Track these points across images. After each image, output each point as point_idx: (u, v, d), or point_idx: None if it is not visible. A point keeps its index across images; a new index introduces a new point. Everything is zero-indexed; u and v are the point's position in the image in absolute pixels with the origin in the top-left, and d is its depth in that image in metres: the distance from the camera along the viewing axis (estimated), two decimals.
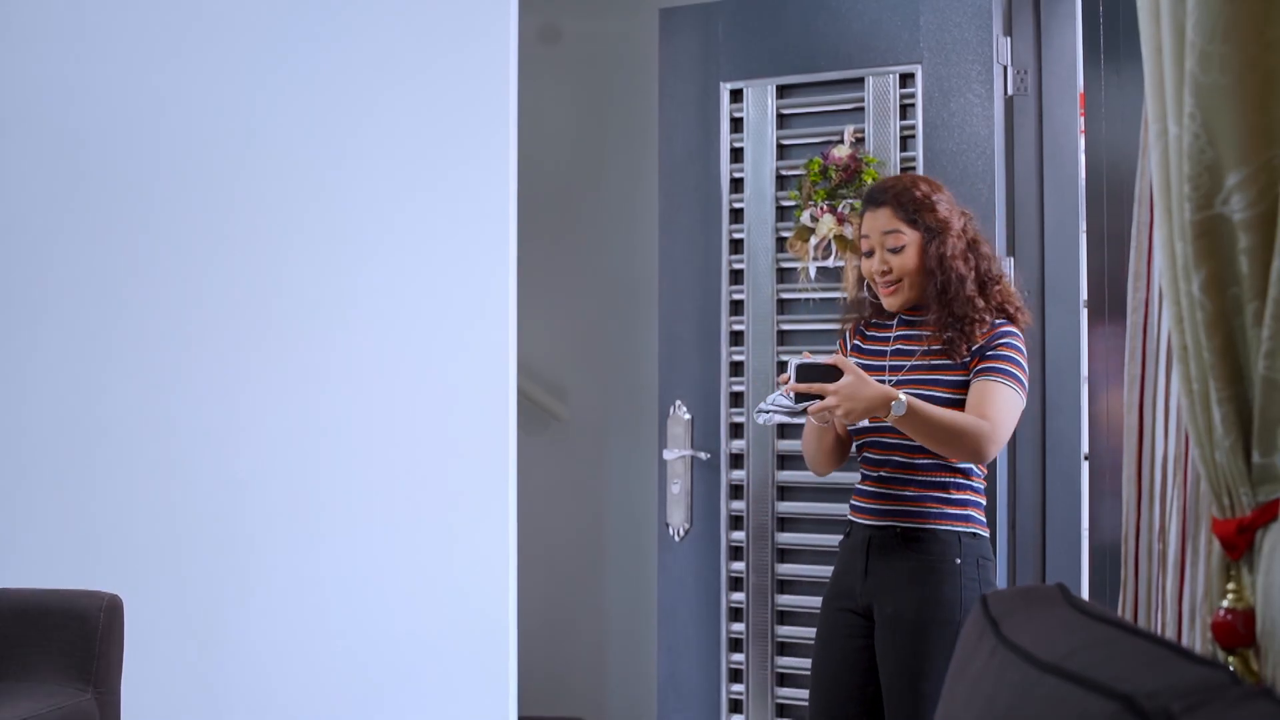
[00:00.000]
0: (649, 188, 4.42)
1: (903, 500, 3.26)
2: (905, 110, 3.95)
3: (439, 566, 4.01)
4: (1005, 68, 3.90)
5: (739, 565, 4.10)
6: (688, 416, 4.16)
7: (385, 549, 4.01)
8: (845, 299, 3.62)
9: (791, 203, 4.04)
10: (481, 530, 3.99)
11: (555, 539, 5.16)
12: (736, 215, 4.13)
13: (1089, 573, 3.83)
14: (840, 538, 3.43)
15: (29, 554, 3.96)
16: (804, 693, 3.69)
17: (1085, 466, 3.85)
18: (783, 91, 4.10)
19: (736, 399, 4.12)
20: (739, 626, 4.10)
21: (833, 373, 3.11)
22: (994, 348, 3.22)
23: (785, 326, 4.04)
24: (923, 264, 3.28)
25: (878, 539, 3.28)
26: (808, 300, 4.03)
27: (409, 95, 4.05)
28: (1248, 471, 1.64)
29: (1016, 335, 3.27)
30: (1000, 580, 3.78)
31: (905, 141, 3.95)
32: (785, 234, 4.05)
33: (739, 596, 4.10)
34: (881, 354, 3.37)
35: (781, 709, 4.02)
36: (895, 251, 3.29)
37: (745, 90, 4.13)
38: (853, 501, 3.38)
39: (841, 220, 3.95)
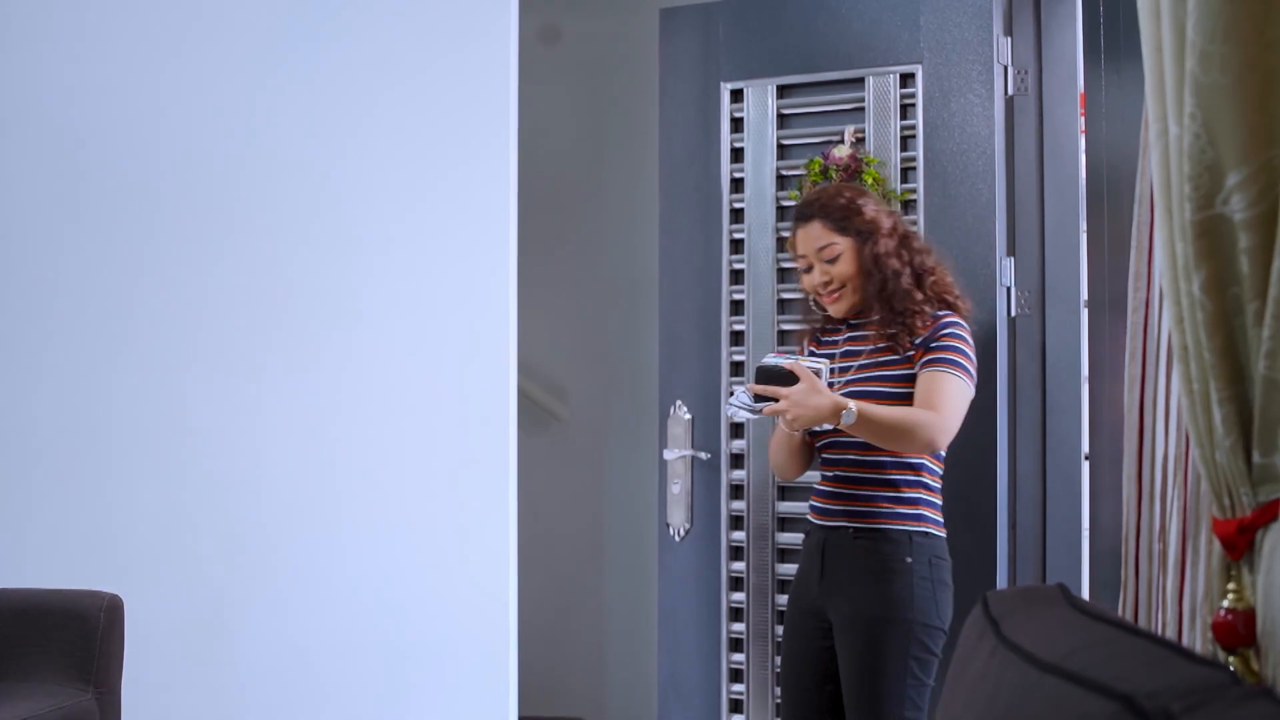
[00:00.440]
0: (649, 188, 4.42)
1: (856, 500, 3.32)
2: (905, 110, 3.95)
3: (440, 567, 4.00)
4: (1006, 68, 3.90)
5: (739, 565, 4.10)
6: (688, 416, 4.16)
7: (386, 549, 4.01)
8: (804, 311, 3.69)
9: (792, 203, 4.04)
10: (482, 530, 3.99)
11: (556, 539, 5.16)
12: (737, 215, 4.13)
13: (1089, 572, 3.82)
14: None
15: (30, 554, 3.96)
16: None
17: (1086, 466, 3.85)
18: (783, 91, 4.10)
19: None
20: (739, 626, 4.10)
21: (791, 377, 3.21)
22: (938, 338, 3.28)
23: (786, 326, 4.04)
24: (860, 267, 3.35)
25: (833, 540, 3.34)
26: (808, 300, 4.02)
27: (409, 95, 4.05)
28: (1248, 471, 1.63)
29: (960, 324, 3.33)
30: (1000, 580, 3.79)
31: (905, 141, 3.95)
32: (786, 234, 4.04)
33: (739, 596, 4.10)
34: (831, 357, 3.44)
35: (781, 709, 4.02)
36: (832, 262, 3.37)
37: (746, 90, 4.13)
38: (811, 503, 3.46)
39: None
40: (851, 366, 3.37)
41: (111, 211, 4.01)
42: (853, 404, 3.16)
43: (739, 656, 4.10)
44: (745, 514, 4.09)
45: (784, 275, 4.07)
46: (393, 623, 4.00)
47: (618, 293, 5.15)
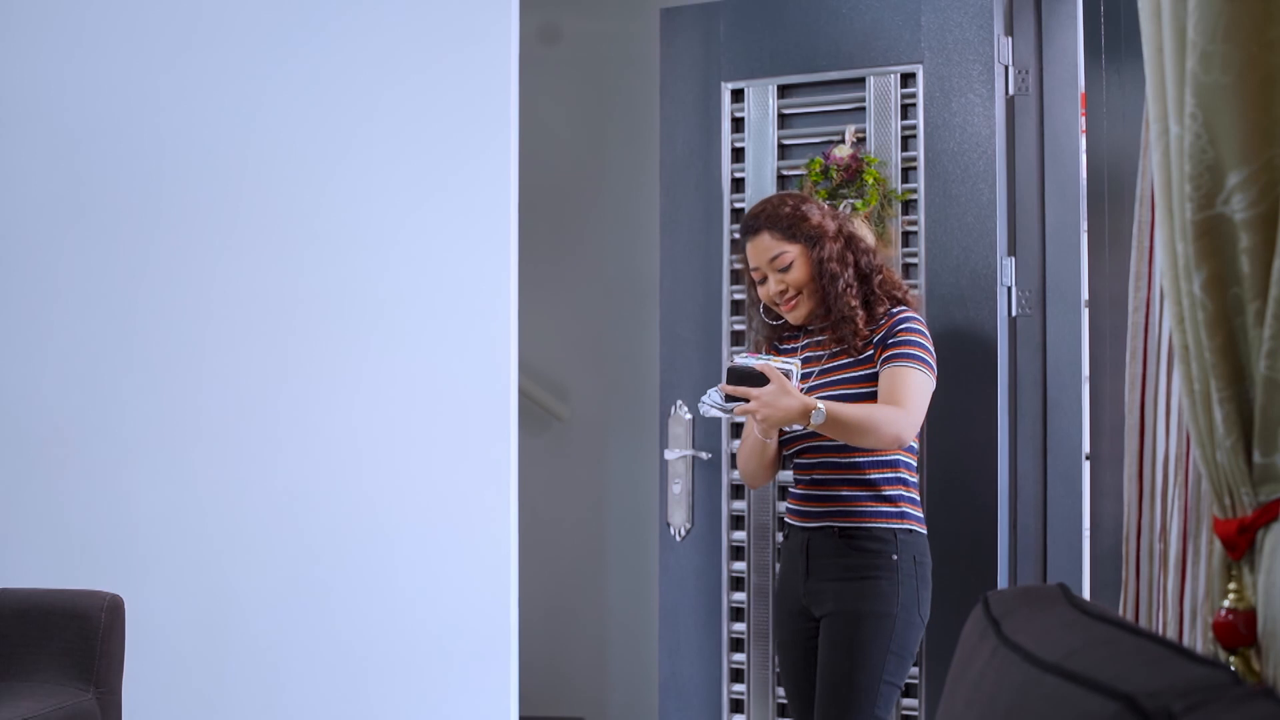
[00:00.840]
0: (650, 187, 4.42)
1: (838, 500, 3.37)
2: (906, 110, 3.95)
3: (440, 567, 4.00)
4: (1006, 67, 3.90)
5: (740, 565, 4.10)
6: (689, 416, 4.16)
7: (386, 549, 4.01)
8: (753, 325, 3.71)
9: None
10: (483, 530, 3.99)
11: (556, 539, 5.16)
12: (738, 215, 4.13)
13: (1090, 572, 3.82)
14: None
15: (30, 554, 3.96)
16: None
17: (1086, 466, 3.85)
18: (784, 91, 4.10)
19: None
20: (740, 626, 4.10)
21: (761, 378, 3.24)
22: (895, 334, 3.34)
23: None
24: (811, 273, 3.41)
25: (816, 540, 3.39)
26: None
27: (410, 95, 4.05)
28: (1249, 471, 1.63)
29: (914, 318, 3.39)
30: (1001, 580, 3.79)
31: (906, 141, 3.95)
32: None
33: (740, 596, 4.10)
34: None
35: (783, 709, 4.02)
36: (784, 270, 3.43)
37: (746, 90, 4.13)
38: (788, 505, 3.52)
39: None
40: (813, 372, 3.43)
41: (115, 212, 4.01)
42: (821, 404, 3.21)
43: (740, 656, 4.10)
44: (746, 514, 4.09)
45: None
46: (394, 622, 4.00)
47: (618, 292, 5.15)
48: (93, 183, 4.03)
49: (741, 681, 4.10)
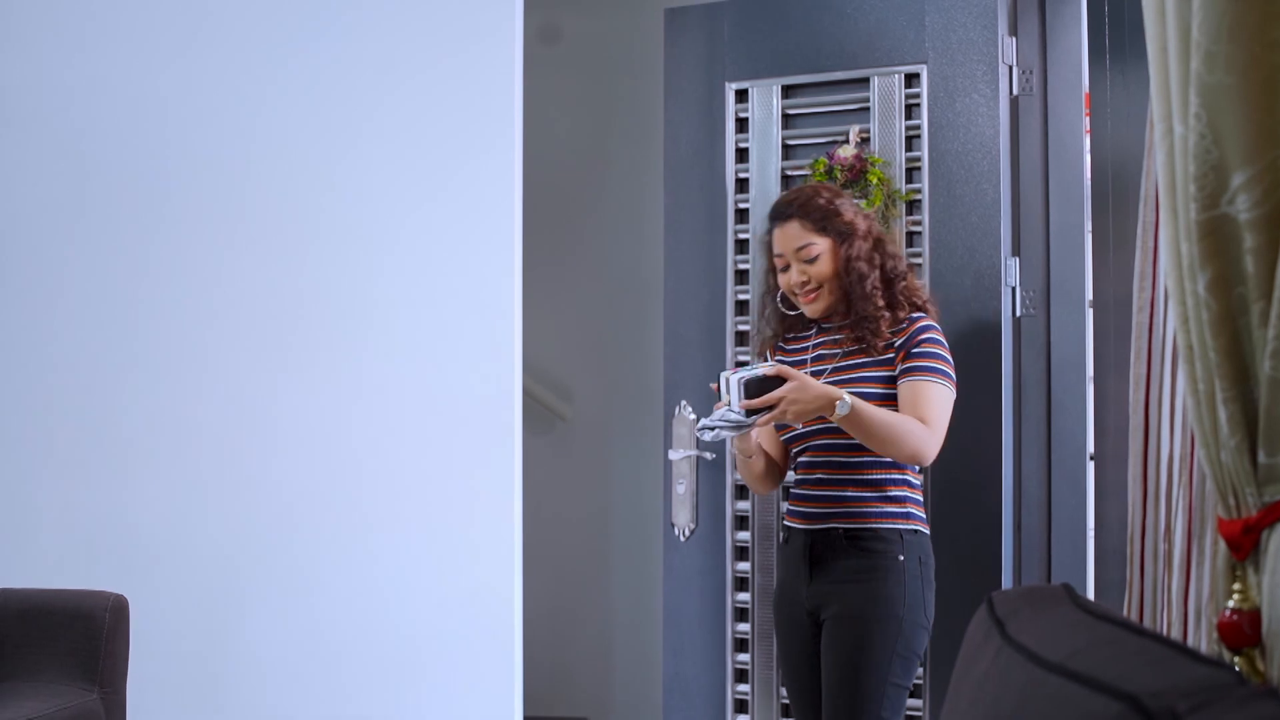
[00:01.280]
0: (654, 188, 4.42)
1: (843, 501, 3.32)
2: (910, 110, 3.95)
3: (445, 566, 4.01)
4: (1011, 67, 3.90)
5: (744, 565, 4.10)
6: (693, 416, 4.15)
7: (390, 549, 4.01)
8: (760, 321, 3.66)
9: None
10: (487, 530, 3.99)
11: (560, 539, 5.16)
12: (741, 215, 4.13)
13: (1094, 572, 3.82)
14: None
15: (35, 554, 3.97)
16: None
17: (1090, 466, 3.85)
18: (788, 91, 4.10)
19: None
20: (744, 626, 4.10)
21: (776, 381, 3.18)
22: (917, 344, 3.30)
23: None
24: (837, 268, 3.37)
25: (820, 542, 3.34)
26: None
27: (414, 95, 4.05)
28: (1253, 472, 1.63)
29: (933, 327, 3.35)
30: (1005, 580, 3.79)
31: (910, 141, 3.95)
32: None
33: (744, 596, 4.10)
34: (802, 363, 3.44)
35: (787, 709, 4.02)
36: (810, 261, 3.39)
37: (750, 90, 4.13)
38: (790, 507, 3.45)
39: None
40: (825, 370, 3.38)
41: (119, 212, 4.02)
42: (847, 395, 3.17)
43: (744, 656, 4.10)
44: (750, 514, 4.09)
45: None
46: (398, 623, 4.01)
47: (622, 293, 5.15)
48: (96, 182, 4.04)
49: (745, 682, 4.10)
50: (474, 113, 4.04)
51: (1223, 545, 1.72)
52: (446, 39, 4.06)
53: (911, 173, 3.94)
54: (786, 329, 3.56)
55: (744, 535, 4.10)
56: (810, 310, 3.43)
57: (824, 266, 3.38)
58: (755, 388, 3.18)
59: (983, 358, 3.80)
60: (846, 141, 3.98)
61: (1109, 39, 3.75)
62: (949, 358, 3.33)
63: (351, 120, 4.06)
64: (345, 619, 4.01)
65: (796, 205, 3.43)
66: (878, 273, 3.37)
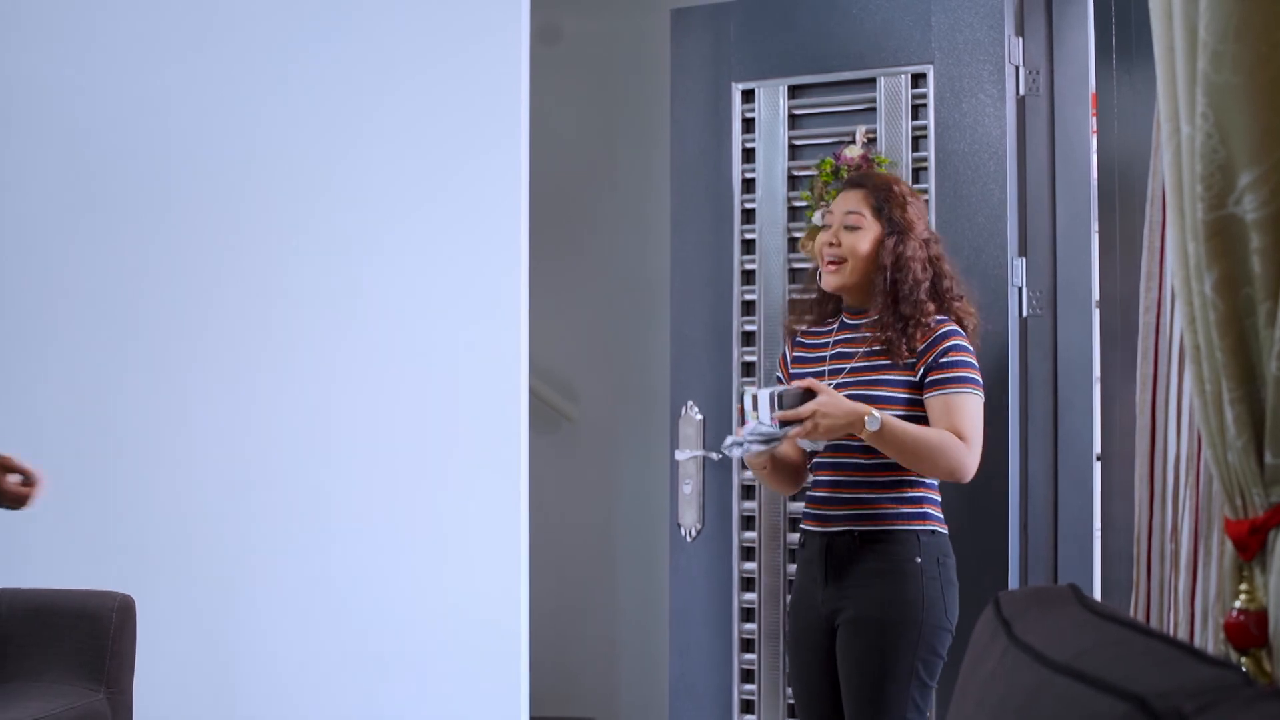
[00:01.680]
0: (660, 188, 4.42)
1: (858, 504, 3.27)
2: (917, 110, 3.94)
3: (451, 567, 4.01)
4: (1017, 68, 3.90)
5: (751, 565, 4.10)
6: (699, 417, 4.16)
7: (397, 550, 4.01)
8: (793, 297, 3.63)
9: (803, 203, 4.04)
10: (493, 531, 3.99)
11: (567, 539, 5.16)
12: (748, 216, 4.13)
13: (1101, 573, 3.82)
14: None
15: (41, 555, 3.97)
16: None
17: (1097, 466, 3.85)
18: (794, 92, 4.10)
19: None
20: (751, 627, 4.10)
21: (806, 396, 3.15)
22: (943, 353, 3.23)
23: (797, 326, 4.03)
24: (874, 255, 3.31)
25: (836, 545, 3.28)
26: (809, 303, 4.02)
27: (419, 94, 4.05)
28: (1260, 472, 1.63)
29: (957, 332, 3.28)
30: (1012, 581, 3.78)
31: (917, 142, 3.94)
32: (797, 234, 4.05)
33: (751, 597, 4.10)
34: (821, 359, 3.40)
35: (793, 710, 4.02)
36: (850, 230, 3.32)
37: (757, 90, 4.13)
38: (806, 509, 3.40)
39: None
40: (843, 369, 3.33)
41: (121, 211, 4.02)
42: (876, 411, 3.13)
43: (750, 657, 4.10)
44: (757, 514, 4.09)
45: (795, 276, 4.06)
46: (404, 622, 4.01)
47: (629, 293, 5.15)
48: (99, 182, 4.04)
49: (752, 682, 4.09)
50: (479, 112, 4.04)
51: (1229, 546, 1.72)
52: (452, 38, 4.06)
53: (918, 173, 3.94)
54: (814, 312, 3.50)
55: (750, 535, 4.10)
56: (827, 280, 3.37)
57: (860, 243, 3.31)
58: (787, 401, 3.15)
59: (989, 358, 3.79)
60: (853, 142, 3.98)
61: (1115, 39, 3.75)
62: (976, 363, 3.28)
63: (356, 120, 4.06)
64: (351, 618, 4.01)
65: (869, 179, 3.42)
66: (929, 283, 3.30)
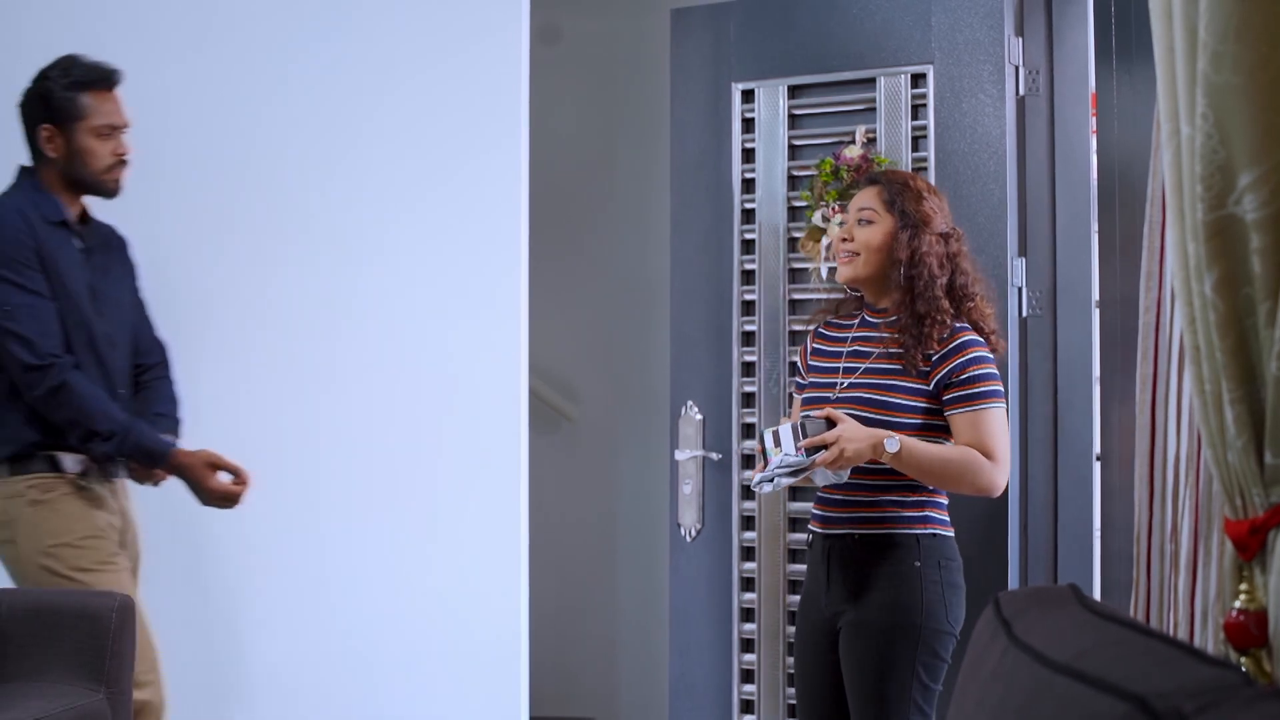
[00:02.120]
0: (660, 188, 4.42)
1: (859, 507, 3.24)
2: (917, 110, 3.94)
3: (451, 567, 4.01)
4: (1017, 68, 3.90)
5: (751, 565, 4.10)
6: (699, 417, 4.16)
7: (397, 550, 4.01)
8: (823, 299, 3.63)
9: (803, 203, 4.04)
10: (493, 531, 3.99)
11: (567, 539, 5.16)
12: (748, 216, 4.13)
13: (1101, 573, 3.82)
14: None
15: None
16: None
17: (1097, 466, 3.85)
18: (794, 92, 4.10)
19: (748, 400, 4.12)
20: (751, 627, 4.10)
21: (827, 424, 3.13)
22: (966, 368, 3.19)
23: (797, 327, 4.03)
24: (886, 248, 3.26)
25: (838, 548, 3.26)
26: (819, 301, 4.01)
27: (419, 94, 4.06)
28: (1260, 472, 1.63)
29: (977, 342, 3.23)
30: (1012, 581, 3.78)
31: (917, 142, 3.94)
32: (797, 234, 4.05)
33: (751, 597, 4.10)
34: (837, 355, 3.35)
35: (793, 710, 4.02)
36: (864, 224, 3.28)
37: (757, 90, 4.13)
38: (813, 511, 3.37)
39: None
40: (858, 369, 3.30)
41: (121, 210, 4.02)
42: (895, 435, 3.10)
43: (750, 657, 4.10)
44: (756, 514, 4.09)
45: (795, 276, 4.07)
46: (404, 622, 4.01)
47: (629, 293, 5.15)
48: None
49: (752, 682, 4.10)
50: (479, 112, 4.04)
51: (1229, 546, 1.73)
52: (452, 38, 4.07)
53: (918, 173, 3.93)
54: (843, 307, 3.46)
55: (750, 535, 4.10)
56: (840, 272, 3.33)
57: (873, 236, 3.26)
58: (809, 430, 3.12)
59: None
60: (853, 142, 3.98)
61: (1115, 39, 3.75)
62: (997, 372, 3.23)
63: (356, 120, 4.06)
64: (351, 620, 4.01)
65: (883, 174, 3.40)
66: (946, 279, 3.26)
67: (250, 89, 4.05)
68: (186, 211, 4.03)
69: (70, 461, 3.50)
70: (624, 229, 5.17)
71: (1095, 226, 3.85)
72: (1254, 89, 1.55)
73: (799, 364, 3.52)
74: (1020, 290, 3.88)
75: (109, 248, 3.71)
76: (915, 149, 3.94)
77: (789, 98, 4.09)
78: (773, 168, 4.10)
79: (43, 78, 3.55)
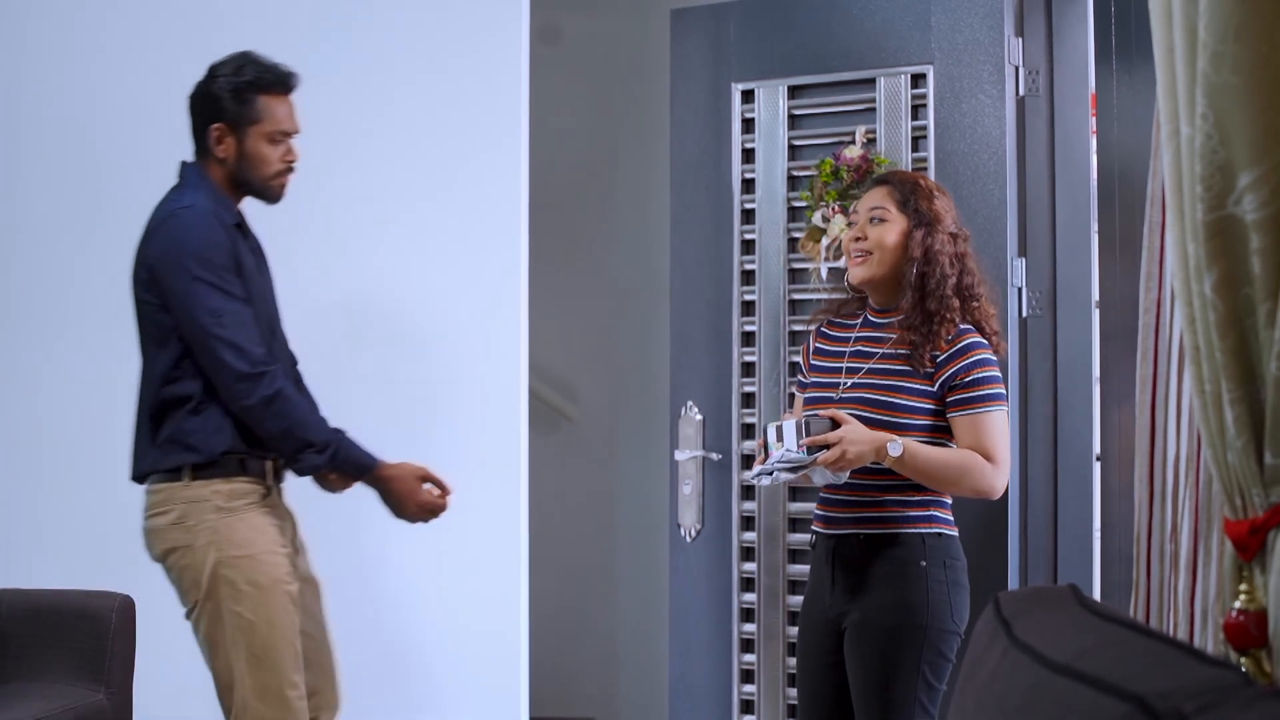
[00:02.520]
0: (660, 188, 4.42)
1: (863, 506, 3.22)
2: (917, 111, 3.94)
3: (451, 568, 4.01)
4: (1017, 68, 3.90)
5: (750, 566, 4.10)
6: (699, 417, 4.16)
7: (397, 550, 4.01)
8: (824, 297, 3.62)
9: (803, 203, 4.04)
10: (493, 531, 3.99)
11: (567, 540, 5.16)
12: (748, 216, 4.13)
13: (1101, 573, 3.82)
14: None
15: (41, 555, 3.97)
16: None
17: (1097, 467, 3.85)
18: (794, 92, 4.10)
19: (748, 400, 4.12)
20: (750, 627, 4.10)
21: (831, 425, 3.11)
22: (970, 370, 3.18)
23: (797, 327, 4.03)
24: (901, 247, 3.24)
25: (842, 548, 3.25)
26: (820, 301, 4.01)
27: (420, 95, 4.06)
28: (1260, 472, 1.63)
29: (982, 345, 3.22)
30: (1012, 581, 3.78)
31: (917, 142, 3.94)
32: (797, 235, 4.05)
33: (750, 597, 4.10)
34: (840, 355, 3.34)
35: (793, 710, 4.02)
36: (876, 223, 3.26)
37: (757, 91, 4.13)
38: (815, 512, 3.36)
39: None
40: (862, 369, 3.28)
41: (123, 209, 4.02)
42: (898, 439, 3.10)
43: (750, 657, 4.10)
44: (756, 515, 4.09)
45: (795, 276, 4.07)
46: (405, 623, 4.01)
47: (629, 293, 5.15)
48: (103, 180, 4.04)
49: (752, 682, 4.10)
50: (480, 112, 4.04)
51: (1229, 546, 1.73)
52: (452, 38, 4.07)
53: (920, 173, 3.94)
54: (847, 306, 3.45)
55: (750, 536, 4.10)
56: (853, 273, 3.29)
57: (886, 235, 3.23)
58: (813, 429, 3.11)
59: None
60: (853, 142, 3.98)
61: (1115, 39, 3.75)
62: (1000, 374, 3.23)
63: (356, 120, 4.06)
64: (352, 620, 4.00)
65: (893, 174, 3.39)
66: (955, 280, 3.24)
67: None
68: None
69: (257, 467, 3.38)
70: (624, 229, 5.17)
71: (1095, 227, 3.85)
72: (1254, 89, 1.55)
73: (800, 364, 3.52)
74: (1020, 290, 3.88)
75: (260, 251, 3.60)
76: (915, 149, 3.94)
77: (789, 98, 4.09)
78: (773, 168, 4.10)
79: (213, 75, 3.43)
